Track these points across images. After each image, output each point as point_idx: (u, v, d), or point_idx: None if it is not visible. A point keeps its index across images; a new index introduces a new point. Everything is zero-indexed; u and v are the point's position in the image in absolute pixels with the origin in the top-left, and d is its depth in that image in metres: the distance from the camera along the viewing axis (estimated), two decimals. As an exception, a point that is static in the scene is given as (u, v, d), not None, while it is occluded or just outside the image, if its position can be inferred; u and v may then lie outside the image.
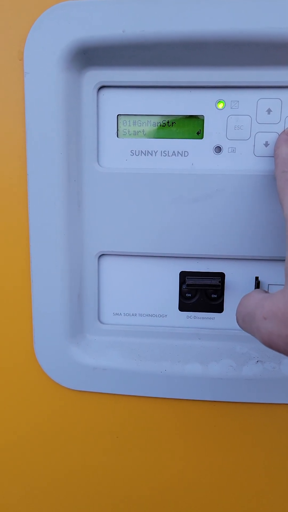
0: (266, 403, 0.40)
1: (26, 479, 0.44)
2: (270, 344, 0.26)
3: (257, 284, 0.40)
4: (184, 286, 0.40)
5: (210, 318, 0.41)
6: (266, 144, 0.37)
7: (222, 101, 0.37)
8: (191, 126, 0.37)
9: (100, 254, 0.40)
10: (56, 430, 0.43)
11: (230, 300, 0.41)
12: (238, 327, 0.40)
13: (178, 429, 0.41)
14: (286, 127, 0.37)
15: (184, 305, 0.41)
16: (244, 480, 0.42)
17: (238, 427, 0.41)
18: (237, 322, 0.31)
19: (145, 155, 0.38)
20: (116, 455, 0.43)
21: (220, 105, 0.37)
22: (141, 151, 0.38)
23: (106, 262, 0.41)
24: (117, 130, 0.38)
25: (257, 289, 0.31)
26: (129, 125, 0.38)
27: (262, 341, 0.27)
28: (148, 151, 0.38)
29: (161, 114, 0.37)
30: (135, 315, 0.42)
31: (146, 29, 0.34)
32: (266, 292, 0.31)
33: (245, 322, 0.29)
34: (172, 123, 0.38)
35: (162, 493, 0.43)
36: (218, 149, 0.38)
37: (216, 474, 0.42)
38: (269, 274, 0.40)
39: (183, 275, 0.40)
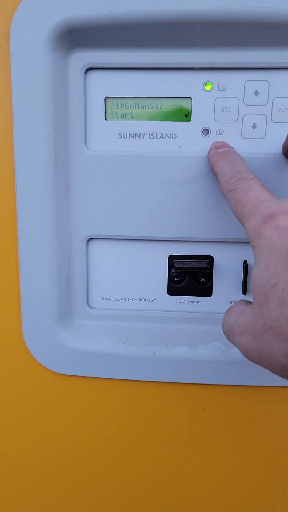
0: (255, 386, 0.40)
1: (13, 464, 0.44)
2: (248, 357, 0.28)
3: (245, 268, 0.40)
4: (172, 270, 0.40)
5: (199, 302, 0.41)
6: (254, 126, 0.37)
7: (210, 83, 0.37)
8: (179, 108, 0.37)
9: (88, 238, 0.40)
10: (44, 415, 0.43)
11: (219, 284, 0.41)
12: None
13: (168, 412, 0.41)
14: (212, 142, 0.37)
15: (173, 289, 0.41)
16: (234, 462, 0.42)
17: (228, 409, 0.41)
18: (224, 335, 0.32)
19: (133, 137, 0.38)
20: (105, 439, 0.43)
21: (208, 87, 0.37)
22: (129, 134, 0.38)
23: (95, 246, 0.41)
24: (105, 112, 0.38)
25: (239, 301, 0.32)
26: (117, 108, 0.38)
27: (243, 354, 0.28)
28: (136, 134, 0.38)
29: (149, 96, 0.37)
30: (124, 299, 0.41)
31: (133, 9, 0.33)
32: (248, 303, 0.31)
33: (229, 336, 0.30)
34: (160, 106, 0.38)
35: (151, 477, 0.43)
36: (206, 131, 0.38)
37: (205, 457, 0.42)
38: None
39: (172, 259, 0.40)
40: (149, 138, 0.38)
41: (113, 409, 0.42)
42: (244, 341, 0.27)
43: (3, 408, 0.43)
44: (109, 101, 0.38)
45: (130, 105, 0.38)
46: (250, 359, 0.28)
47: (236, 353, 0.39)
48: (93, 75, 0.37)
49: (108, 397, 0.42)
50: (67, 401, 0.42)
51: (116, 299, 0.41)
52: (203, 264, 0.39)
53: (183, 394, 0.41)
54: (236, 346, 0.29)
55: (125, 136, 0.38)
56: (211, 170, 0.36)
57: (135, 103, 0.38)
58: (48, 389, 0.42)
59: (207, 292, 0.41)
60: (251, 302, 0.32)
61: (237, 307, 0.31)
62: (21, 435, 0.43)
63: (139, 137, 0.38)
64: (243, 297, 0.40)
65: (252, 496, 0.43)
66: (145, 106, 0.38)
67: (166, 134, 0.38)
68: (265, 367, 0.27)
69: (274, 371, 0.27)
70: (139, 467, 0.43)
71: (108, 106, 0.38)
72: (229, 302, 0.41)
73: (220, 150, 0.35)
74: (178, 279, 0.41)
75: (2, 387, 0.42)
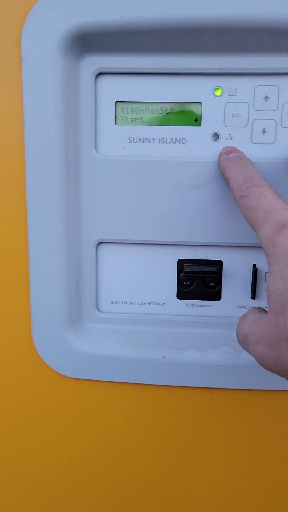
0: (264, 390, 0.40)
1: (23, 467, 0.44)
2: (264, 366, 0.28)
3: (255, 272, 0.40)
4: (182, 274, 0.40)
5: (208, 306, 0.41)
6: (264, 131, 0.37)
7: (220, 88, 0.37)
8: (189, 113, 0.38)
9: (98, 242, 0.40)
10: (54, 418, 0.43)
11: (228, 288, 0.41)
12: (235, 314, 0.41)
13: (176, 416, 0.42)
14: (223, 147, 0.37)
15: (182, 293, 0.41)
16: (243, 466, 0.42)
17: (236, 414, 0.41)
18: (238, 343, 0.32)
19: (143, 142, 0.38)
20: (114, 443, 0.43)
21: (218, 92, 0.37)
22: (139, 139, 0.38)
23: (104, 250, 0.41)
24: (115, 117, 0.38)
25: (252, 309, 0.32)
26: (127, 112, 0.38)
27: (259, 363, 0.28)
28: (146, 139, 0.38)
29: (159, 101, 0.37)
30: (133, 303, 0.42)
31: (144, 15, 0.34)
32: (261, 310, 0.31)
33: (243, 345, 0.30)
34: (170, 110, 0.38)
35: (161, 481, 0.43)
36: (216, 136, 0.38)
37: (214, 461, 0.42)
38: (266, 261, 0.40)
39: (181, 263, 0.40)
40: (159, 142, 0.38)
41: (122, 413, 0.42)
42: (260, 350, 0.27)
43: (13, 411, 0.43)
44: (119, 106, 0.38)
45: (140, 110, 0.38)
46: (266, 368, 0.28)
47: (245, 357, 0.39)
48: (103, 80, 0.37)
49: (117, 400, 0.42)
50: (77, 404, 0.42)
51: (125, 303, 0.42)
52: (213, 269, 0.39)
53: (192, 398, 0.41)
54: (251, 355, 0.29)
55: (135, 141, 0.38)
56: (222, 176, 0.36)
57: (145, 108, 0.38)
58: (58, 392, 0.42)
59: (216, 296, 0.41)
60: (264, 310, 0.32)
61: (251, 315, 0.31)
62: (31, 438, 0.44)
63: (149, 142, 0.38)
64: (252, 301, 0.40)
65: (265, 503, 0.43)
66: (155, 111, 0.38)
67: (176, 139, 0.38)
68: (281, 375, 0.27)
69: None
70: (148, 471, 0.43)
71: (118, 111, 0.38)
72: (238, 306, 0.41)
73: (231, 155, 0.35)
74: (187, 283, 0.41)
75: (12, 390, 0.42)
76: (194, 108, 0.37)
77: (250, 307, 0.40)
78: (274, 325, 0.27)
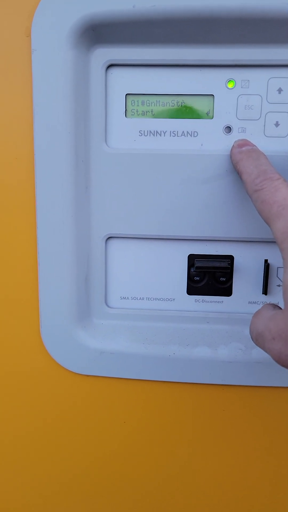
0: (276, 386, 0.39)
1: (33, 464, 0.44)
2: (281, 363, 0.27)
3: (266, 267, 0.39)
4: (192, 269, 0.40)
5: (218, 302, 0.41)
6: (277, 124, 0.37)
7: (233, 80, 0.36)
8: (200, 106, 0.37)
9: (107, 237, 0.40)
10: (63, 415, 0.42)
11: (239, 284, 0.40)
12: (246, 310, 0.40)
13: (187, 413, 0.41)
14: (235, 140, 0.36)
15: (193, 289, 0.40)
16: (253, 464, 0.42)
17: (248, 410, 0.40)
18: (252, 340, 0.31)
19: (153, 135, 0.38)
20: (123, 440, 0.42)
21: (231, 85, 0.36)
22: (150, 132, 0.38)
23: (114, 245, 0.40)
24: (126, 110, 0.37)
25: (266, 305, 0.31)
26: (138, 105, 0.37)
27: (275, 360, 0.28)
28: (157, 132, 0.38)
29: (170, 94, 0.37)
30: (143, 299, 0.41)
31: (157, 4, 0.33)
32: (275, 307, 0.31)
33: (258, 342, 0.30)
34: (182, 103, 0.37)
35: (170, 478, 0.43)
36: (228, 129, 0.37)
37: (225, 459, 0.42)
38: (278, 256, 0.39)
39: (192, 258, 0.40)
40: (170, 136, 0.38)
41: (131, 410, 0.41)
42: (276, 347, 0.27)
43: (22, 408, 0.43)
44: (129, 98, 0.37)
45: (151, 103, 0.37)
46: (283, 365, 0.27)
47: (257, 353, 0.39)
48: (114, 71, 0.37)
49: (126, 397, 0.41)
50: (85, 401, 0.42)
51: (135, 298, 0.41)
52: (224, 264, 0.39)
53: (203, 395, 0.40)
54: (267, 352, 0.28)
55: (145, 134, 0.38)
56: (235, 169, 0.35)
57: (156, 101, 0.37)
58: (67, 389, 0.41)
59: (227, 291, 0.40)
60: (278, 306, 0.31)
61: (266, 311, 0.30)
62: (39, 435, 0.43)
63: (160, 135, 0.38)
64: (263, 297, 0.40)
65: (276, 502, 0.42)
66: (166, 103, 0.37)
67: (187, 132, 0.37)
68: None
69: None
70: (158, 467, 0.43)
71: (128, 104, 0.37)
72: (249, 302, 0.40)
73: (244, 148, 0.35)
74: (198, 278, 0.40)
75: (21, 387, 0.42)
76: (206, 101, 0.37)
77: (262, 303, 0.40)
78: None
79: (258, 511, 0.43)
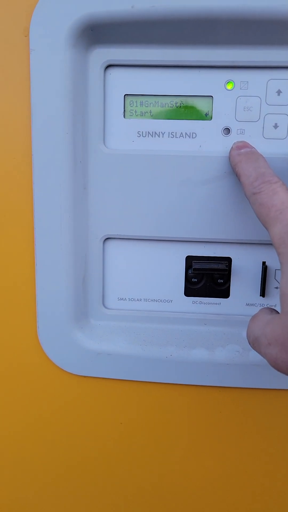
0: (273, 389, 0.39)
1: (29, 465, 0.44)
2: (277, 368, 0.27)
3: (264, 269, 0.39)
4: (190, 271, 0.40)
5: (216, 304, 0.41)
6: (276, 126, 0.37)
7: (232, 81, 0.36)
8: (199, 107, 0.37)
9: (105, 238, 0.39)
10: (59, 416, 0.42)
11: (237, 286, 0.40)
12: (244, 312, 0.40)
13: (184, 415, 0.41)
14: (234, 142, 0.36)
15: (190, 290, 0.40)
16: (250, 466, 0.42)
17: (245, 413, 0.40)
18: (249, 344, 0.31)
19: (152, 136, 0.38)
20: (120, 441, 0.42)
21: (230, 86, 0.36)
22: (148, 132, 0.37)
23: (111, 246, 0.40)
24: (124, 110, 0.37)
25: (263, 309, 0.31)
26: (136, 106, 0.37)
27: (271, 365, 0.28)
28: (155, 132, 0.37)
29: (169, 95, 0.37)
30: (140, 300, 0.41)
31: (156, 5, 0.33)
32: (272, 311, 0.31)
33: (254, 346, 0.30)
34: (180, 104, 0.37)
35: (167, 480, 0.43)
36: (227, 130, 0.37)
37: (221, 461, 0.42)
38: (276, 259, 0.39)
39: (190, 260, 0.40)
40: (168, 137, 0.37)
41: (128, 411, 0.41)
42: (273, 352, 0.27)
43: (19, 409, 0.42)
44: (128, 99, 0.37)
45: (150, 103, 0.37)
46: (279, 370, 0.27)
47: (254, 356, 0.39)
48: (112, 72, 0.37)
49: (123, 398, 0.41)
50: (82, 402, 0.42)
51: (132, 299, 0.41)
52: (222, 266, 0.39)
53: (200, 396, 0.40)
54: (263, 357, 0.28)
55: (144, 135, 0.38)
56: (233, 171, 0.35)
57: (155, 101, 0.37)
58: (63, 390, 0.41)
59: (225, 293, 0.40)
60: (275, 310, 0.31)
61: (263, 316, 0.30)
62: (36, 436, 0.43)
63: (158, 136, 0.37)
64: (261, 299, 0.40)
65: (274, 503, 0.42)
66: (165, 104, 0.37)
67: (186, 133, 0.37)
68: None
69: None
70: (154, 469, 0.43)
71: (127, 104, 0.37)
72: (247, 304, 0.40)
73: (243, 150, 0.35)
74: (195, 280, 0.40)
75: (17, 387, 0.42)
76: (205, 102, 0.37)
77: (259, 305, 0.39)
78: (287, 326, 0.26)
79: (254, 513, 0.43)
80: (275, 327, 0.27)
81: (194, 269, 0.39)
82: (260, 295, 0.40)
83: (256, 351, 0.29)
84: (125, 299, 0.41)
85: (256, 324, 0.30)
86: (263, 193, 0.30)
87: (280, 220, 0.28)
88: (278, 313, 0.30)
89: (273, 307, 0.38)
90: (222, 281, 0.40)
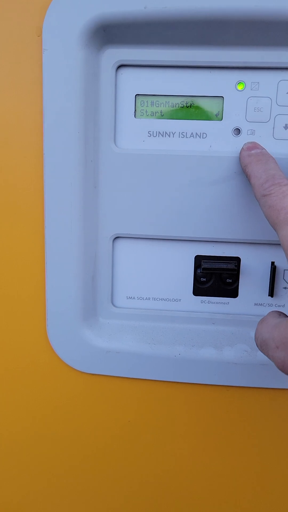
0: (281, 389, 0.40)
1: (37, 461, 0.44)
2: (285, 371, 0.27)
3: (273, 269, 0.39)
4: (199, 270, 0.40)
5: (224, 303, 0.41)
6: (286, 127, 0.37)
7: (243, 82, 0.36)
8: (210, 107, 0.37)
9: (115, 237, 0.40)
10: (68, 413, 0.43)
11: (245, 285, 0.40)
12: (252, 312, 0.40)
13: (192, 413, 0.41)
14: (245, 143, 0.36)
15: (199, 290, 0.41)
16: (257, 466, 0.42)
17: (252, 412, 0.41)
18: (257, 347, 0.31)
19: (162, 136, 0.38)
20: (127, 439, 0.43)
21: (240, 87, 0.36)
22: (159, 132, 0.38)
23: (121, 245, 0.40)
24: (135, 110, 0.37)
25: (272, 312, 0.31)
26: (147, 106, 0.37)
27: (279, 368, 0.28)
28: (166, 132, 0.38)
29: (180, 95, 0.37)
30: (149, 299, 0.41)
31: (169, 6, 0.33)
32: (281, 314, 0.31)
33: (262, 349, 0.30)
34: (191, 104, 0.37)
35: (174, 478, 0.43)
36: (237, 131, 0.37)
37: (229, 460, 0.42)
38: (285, 259, 0.39)
39: (199, 259, 0.40)
40: (179, 137, 0.38)
41: (136, 409, 0.42)
42: (280, 356, 0.27)
43: (28, 405, 0.43)
44: (139, 99, 0.37)
45: (161, 103, 0.37)
46: (286, 373, 0.27)
47: (262, 355, 0.39)
48: (124, 72, 0.37)
49: (131, 396, 0.41)
50: (91, 399, 0.42)
51: (141, 298, 0.41)
52: (231, 265, 0.39)
53: (208, 396, 0.41)
54: (270, 360, 0.28)
55: (154, 135, 0.38)
56: (243, 172, 0.35)
57: (166, 101, 0.37)
58: (72, 387, 0.42)
59: (233, 293, 0.40)
60: (284, 314, 0.31)
61: (271, 319, 0.30)
62: (45, 433, 0.43)
63: (169, 136, 0.38)
64: (269, 299, 0.40)
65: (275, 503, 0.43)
66: (176, 104, 0.37)
67: (196, 133, 0.37)
68: None
69: None
70: (161, 467, 0.43)
71: (138, 104, 0.37)
72: (255, 304, 0.40)
73: (253, 151, 0.35)
74: (204, 279, 0.40)
75: (27, 385, 0.42)
76: (216, 102, 0.37)
77: (268, 305, 0.40)
78: None
79: (260, 512, 0.43)
80: (283, 330, 0.27)
81: (203, 269, 0.39)
82: (269, 295, 0.40)
83: (264, 354, 0.29)
84: (134, 297, 0.41)
85: (264, 327, 0.30)
86: (273, 195, 0.30)
87: None
88: (287, 316, 0.30)
89: (281, 309, 0.38)
90: (230, 280, 0.40)
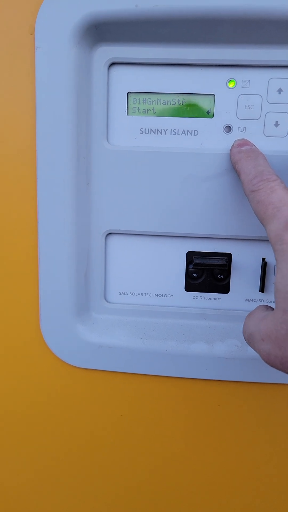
0: (271, 383, 0.40)
1: (30, 456, 0.45)
2: (270, 363, 0.28)
3: (264, 265, 0.40)
4: (190, 266, 0.40)
5: (216, 299, 0.41)
6: (276, 124, 0.37)
7: (233, 80, 0.37)
8: (201, 105, 0.37)
9: (107, 233, 0.40)
10: (61, 407, 0.43)
11: (236, 281, 0.41)
12: (243, 308, 0.41)
13: (183, 407, 0.42)
14: (235, 140, 0.37)
15: (191, 285, 0.41)
16: (248, 458, 0.42)
17: (243, 406, 0.41)
18: (245, 340, 0.32)
19: (154, 133, 0.38)
20: (120, 433, 0.43)
21: (231, 84, 0.37)
22: (151, 130, 0.38)
23: (113, 241, 0.41)
24: (127, 107, 0.38)
25: (260, 306, 0.32)
26: (139, 103, 0.38)
27: (264, 360, 0.28)
28: (157, 130, 0.38)
29: (171, 92, 0.37)
30: (141, 294, 0.42)
31: (160, 4, 0.33)
32: (268, 308, 0.31)
33: (249, 342, 0.30)
34: (183, 102, 0.37)
35: (166, 472, 0.44)
36: (228, 128, 0.38)
37: (220, 453, 0.43)
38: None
39: (190, 255, 0.40)
40: (170, 134, 0.38)
41: (129, 403, 0.42)
42: (266, 348, 0.27)
43: (21, 400, 0.43)
44: (131, 96, 0.38)
45: (153, 101, 0.38)
46: (272, 365, 0.28)
47: (252, 350, 0.39)
48: (116, 69, 0.37)
49: (124, 391, 0.42)
50: (83, 394, 0.42)
51: (133, 294, 0.42)
52: (222, 261, 0.39)
53: (199, 390, 0.41)
54: (257, 352, 0.29)
55: (146, 132, 0.38)
56: (234, 168, 0.36)
57: (158, 99, 0.38)
58: (65, 382, 0.42)
59: (225, 289, 0.41)
60: (271, 307, 0.32)
61: (258, 312, 0.31)
62: (37, 427, 0.44)
63: (161, 133, 0.38)
64: (260, 294, 0.40)
65: (274, 499, 0.43)
66: (168, 102, 0.38)
67: (188, 131, 0.38)
68: (287, 373, 0.27)
69: None
70: (153, 461, 0.43)
71: (130, 101, 0.38)
72: (246, 300, 0.41)
73: (243, 148, 0.35)
74: (196, 275, 0.41)
75: (20, 379, 0.43)
76: (207, 100, 0.37)
77: (258, 301, 0.40)
78: (281, 322, 0.27)
79: (254, 507, 0.44)
80: (269, 323, 0.28)
81: (195, 265, 0.39)
82: (260, 291, 0.40)
83: (251, 347, 0.30)
84: (127, 293, 0.42)
85: (251, 320, 0.30)
86: (261, 191, 0.31)
87: (277, 218, 0.29)
88: (273, 309, 0.31)
89: (272, 305, 0.39)
90: (222, 276, 0.40)
